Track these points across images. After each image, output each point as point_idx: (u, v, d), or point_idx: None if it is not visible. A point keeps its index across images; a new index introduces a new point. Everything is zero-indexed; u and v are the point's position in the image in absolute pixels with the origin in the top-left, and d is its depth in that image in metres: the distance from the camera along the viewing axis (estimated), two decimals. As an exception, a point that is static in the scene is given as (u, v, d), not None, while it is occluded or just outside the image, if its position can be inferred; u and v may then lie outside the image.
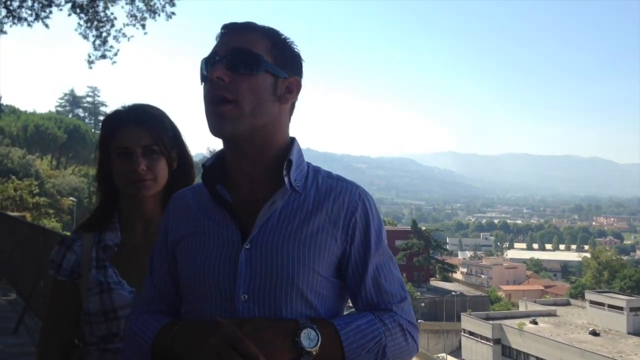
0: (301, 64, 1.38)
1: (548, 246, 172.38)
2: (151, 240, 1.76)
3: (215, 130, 1.28)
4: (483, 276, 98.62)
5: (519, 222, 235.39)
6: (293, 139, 1.39)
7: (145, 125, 1.77)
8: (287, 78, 1.33)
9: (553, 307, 55.20)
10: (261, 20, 1.27)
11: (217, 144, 1.37)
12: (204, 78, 1.30)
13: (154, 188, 1.80)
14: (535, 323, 48.02)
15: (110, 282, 1.75)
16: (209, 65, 1.29)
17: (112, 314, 1.73)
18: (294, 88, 1.35)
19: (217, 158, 1.39)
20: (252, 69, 1.27)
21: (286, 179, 1.30)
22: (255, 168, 1.34)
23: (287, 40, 1.35)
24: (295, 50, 1.37)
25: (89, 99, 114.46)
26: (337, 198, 1.34)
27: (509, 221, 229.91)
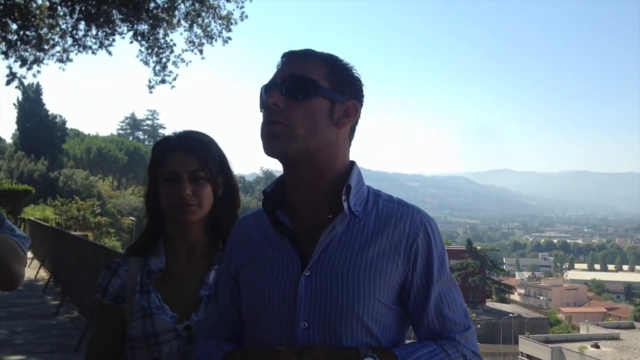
0: (361, 89, 1.39)
1: (610, 267, 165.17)
2: (195, 266, 1.84)
3: (268, 148, 1.28)
4: (542, 297, 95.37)
5: (579, 241, 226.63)
6: (353, 163, 1.40)
7: (192, 152, 1.80)
8: (345, 102, 1.33)
9: (616, 331, 52.89)
10: (316, 44, 1.38)
11: (271, 164, 1.45)
12: (262, 104, 1.33)
13: (198, 213, 1.80)
14: (597, 347, 46.07)
15: (152, 307, 1.76)
16: (267, 92, 1.32)
17: (154, 339, 1.74)
18: (352, 112, 1.35)
19: (277, 185, 1.41)
20: (307, 94, 1.28)
21: (345, 204, 1.30)
22: (314, 193, 1.35)
23: (347, 66, 1.37)
24: (355, 75, 1.38)
25: (148, 122, 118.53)
26: (398, 223, 1.33)
27: (568, 241, 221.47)
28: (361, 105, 1.38)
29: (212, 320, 1.51)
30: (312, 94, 1.28)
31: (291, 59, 1.35)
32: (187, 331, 1.73)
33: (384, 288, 1.28)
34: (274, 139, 1.27)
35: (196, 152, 1.80)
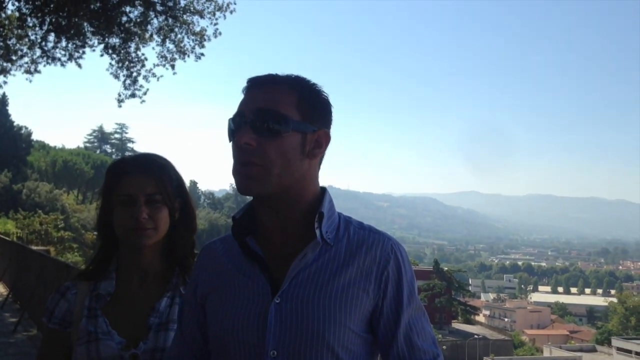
0: (330, 112, 1.36)
1: (573, 290, 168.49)
2: (147, 292, 1.80)
3: (243, 190, 1.26)
4: (506, 319, 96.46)
5: (543, 264, 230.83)
6: (324, 190, 1.38)
7: (150, 174, 1.76)
8: (316, 131, 1.31)
9: (579, 353, 53.83)
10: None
11: None
12: (231, 137, 1.30)
13: (154, 237, 1.76)
14: (561, 369, 46.76)
15: (99, 332, 1.71)
16: (236, 126, 1.28)
17: None
18: (323, 141, 1.33)
19: (246, 210, 1.38)
20: (279, 132, 1.25)
21: (317, 232, 1.28)
22: (285, 222, 1.33)
23: (316, 90, 1.34)
24: (324, 98, 1.35)
25: (117, 136, 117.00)
26: (369, 250, 1.32)
27: (533, 263, 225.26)
28: (330, 129, 1.36)
29: (177, 349, 1.47)
30: (284, 131, 1.25)
31: (257, 86, 1.31)
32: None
33: (354, 316, 1.27)
34: (248, 179, 1.25)
35: (153, 174, 1.77)
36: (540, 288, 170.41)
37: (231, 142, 1.30)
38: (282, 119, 1.25)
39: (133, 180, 1.75)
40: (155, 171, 1.78)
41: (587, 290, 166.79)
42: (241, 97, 1.33)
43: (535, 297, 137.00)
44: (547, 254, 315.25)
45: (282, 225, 1.33)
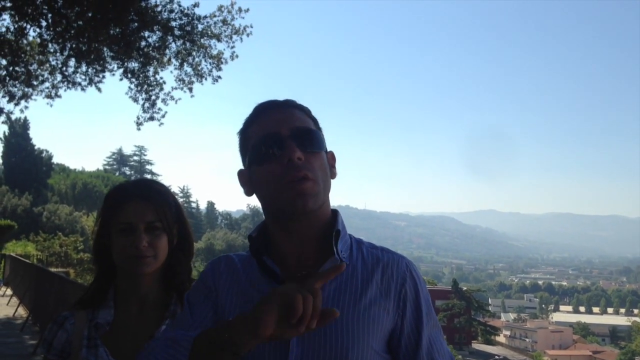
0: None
1: (595, 309, 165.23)
2: (146, 319, 1.78)
3: (299, 207, 1.25)
4: (527, 340, 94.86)
5: (564, 283, 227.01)
6: (336, 212, 1.40)
7: (149, 201, 1.75)
8: (327, 152, 1.39)
9: (603, 374, 52.60)
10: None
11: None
12: (270, 157, 1.29)
13: (153, 265, 1.75)
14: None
15: None
16: (275, 145, 1.29)
17: None
18: (333, 161, 1.41)
19: (261, 229, 1.39)
20: (320, 147, 1.32)
21: (335, 250, 1.29)
22: (303, 243, 1.33)
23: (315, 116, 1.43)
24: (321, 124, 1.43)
25: (135, 158, 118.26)
26: (385, 269, 1.32)
27: (554, 282, 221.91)
28: None
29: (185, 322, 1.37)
30: (322, 148, 1.33)
31: (280, 109, 1.35)
32: None
33: (376, 335, 1.26)
34: (304, 197, 1.25)
35: (153, 201, 1.76)
36: (562, 307, 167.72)
37: (264, 164, 1.30)
38: (319, 136, 1.33)
39: (133, 208, 1.74)
40: (155, 198, 1.78)
41: (610, 310, 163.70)
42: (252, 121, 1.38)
43: (556, 316, 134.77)
44: (567, 272, 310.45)
45: (298, 246, 1.33)
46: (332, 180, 1.37)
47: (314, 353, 1.22)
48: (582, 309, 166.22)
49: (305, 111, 1.38)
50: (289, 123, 1.31)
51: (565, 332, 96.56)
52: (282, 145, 1.28)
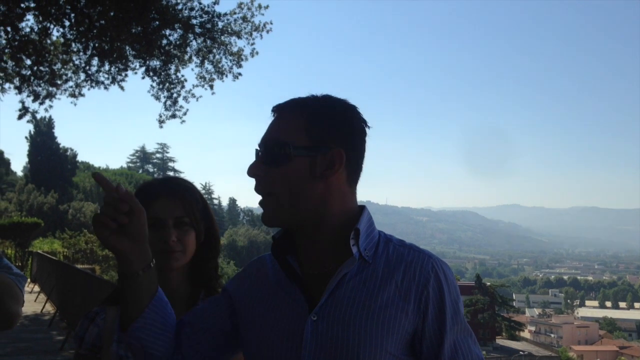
0: (350, 131, 1.33)
1: (622, 304, 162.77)
2: (175, 313, 1.77)
3: (265, 221, 1.34)
4: (553, 335, 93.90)
5: (590, 278, 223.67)
6: (362, 208, 1.37)
7: (177, 197, 1.79)
8: (328, 152, 1.29)
9: (630, 370, 51.81)
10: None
11: None
12: None
13: (182, 260, 1.79)
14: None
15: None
16: (255, 157, 1.35)
17: None
18: (337, 161, 1.30)
19: (285, 231, 1.40)
20: (283, 160, 1.28)
21: (354, 249, 1.27)
22: (319, 243, 1.33)
23: (331, 110, 1.33)
24: (339, 116, 1.33)
25: (158, 155, 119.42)
26: (407, 269, 1.28)
27: (579, 277, 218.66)
28: (351, 148, 1.32)
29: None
30: (287, 159, 1.28)
31: (274, 114, 1.37)
32: None
33: (392, 338, 1.23)
34: (266, 210, 1.32)
35: (181, 197, 1.80)
36: (587, 303, 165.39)
37: None
38: (283, 147, 1.28)
39: (161, 204, 1.77)
40: (183, 194, 1.81)
41: (637, 305, 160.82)
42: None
43: (582, 312, 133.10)
44: (593, 267, 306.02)
45: (317, 246, 1.33)
46: (337, 181, 1.31)
47: (327, 352, 1.22)
48: (608, 304, 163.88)
49: (298, 111, 1.32)
50: (266, 134, 1.34)
51: (591, 328, 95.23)
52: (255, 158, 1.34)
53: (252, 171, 1.31)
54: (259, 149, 1.33)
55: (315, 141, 1.29)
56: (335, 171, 1.30)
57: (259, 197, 1.31)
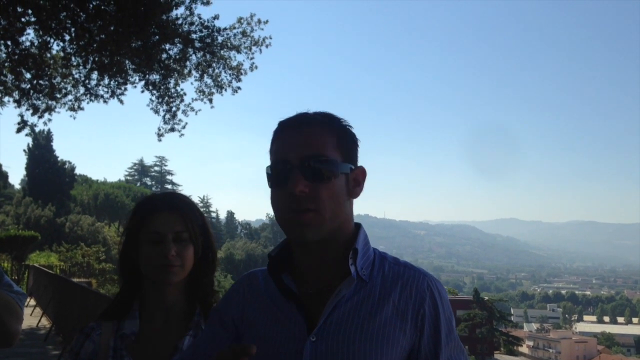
0: (357, 149, 1.37)
1: (620, 319, 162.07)
2: (170, 330, 1.81)
3: (299, 237, 1.27)
4: (551, 350, 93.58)
5: (588, 293, 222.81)
6: (358, 226, 1.39)
7: (177, 212, 1.81)
8: (354, 170, 1.33)
9: (629, 386, 51.56)
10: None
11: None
12: (277, 184, 1.30)
13: (180, 275, 1.80)
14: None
15: None
16: (283, 174, 1.28)
17: None
18: (361, 178, 1.35)
19: (282, 248, 1.39)
20: (330, 177, 1.26)
21: (352, 268, 1.28)
22: (322, 261, 1.33)
23: (347, 127, 1.35)
24: (354, 136, 1.36)
25: (156, 168, 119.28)
26: (404, 288, 1.30)
27: (577, 292, 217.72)
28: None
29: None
30: (334, 175, 1.27)
31: (296, 130, 1.30)
32: None
33: (391, 356, 1.24)
34: (304, 226, 1.25)
35: (181, 212, 1.82)
36: (586, 317, 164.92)
37: (274, 189, 1.31)
38: (331, 164, 1.26)
39: (162, 218, 1.79)
40: (183, 210, 1.83)
41: (635, 320, 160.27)
42: (270, 136, 1.35)
43: (580, 327, 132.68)
44: (591, 282, 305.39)
45: (318, 264, 1.33)
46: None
47: None
48: (606, 318, 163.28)
49: (329, 127, 1.31)
50: (301, 149, 1.27)
51: (589, 343, 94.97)
52: (288, 175, 1.26)
53: (298, 187, 1.24)
54: (293, 164, 1.27)
55: (346, 158, 1.31)
56: (361, 188, 1.34)
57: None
